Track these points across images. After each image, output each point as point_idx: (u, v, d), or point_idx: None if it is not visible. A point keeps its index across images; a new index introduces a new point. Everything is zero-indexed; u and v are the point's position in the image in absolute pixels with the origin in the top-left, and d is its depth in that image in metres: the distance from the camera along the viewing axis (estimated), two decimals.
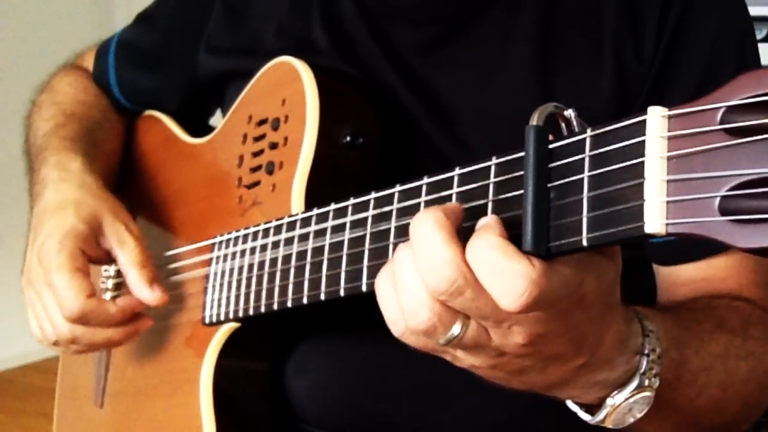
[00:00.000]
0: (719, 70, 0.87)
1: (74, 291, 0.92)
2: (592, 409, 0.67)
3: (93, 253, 0.97)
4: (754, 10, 0.94)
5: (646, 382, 0.65)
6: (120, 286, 1.03)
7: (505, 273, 0.52)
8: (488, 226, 0.55)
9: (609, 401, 0.65)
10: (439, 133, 0.91)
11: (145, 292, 0.94)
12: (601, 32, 0.88)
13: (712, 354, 0.76)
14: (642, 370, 0.65)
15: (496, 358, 0.60)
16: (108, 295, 1.03)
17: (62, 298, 0.92)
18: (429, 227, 0.55)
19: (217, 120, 1.15)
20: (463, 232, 0.56)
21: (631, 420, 0.67)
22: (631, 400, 0.65)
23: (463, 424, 0.92)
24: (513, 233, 0.55)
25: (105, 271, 1.05)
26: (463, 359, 0.61)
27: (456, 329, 0.57)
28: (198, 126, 1.14)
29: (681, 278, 0.87)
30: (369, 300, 0.68)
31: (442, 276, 0.54)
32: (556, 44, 0.90)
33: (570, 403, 0.68)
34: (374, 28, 0.96)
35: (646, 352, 0.66)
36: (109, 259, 0.99)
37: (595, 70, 0.88)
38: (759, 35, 1.55)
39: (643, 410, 0.66)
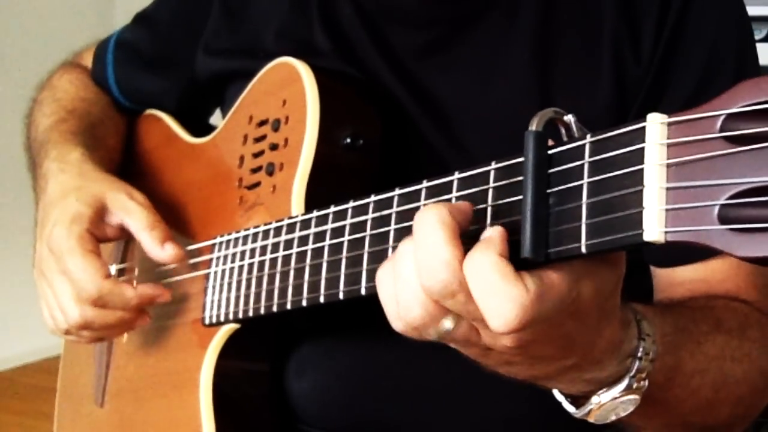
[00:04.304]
0: (717, 73, 0.87)
1: (90, 272, 0.91)
2: (578, 400, 0.67)
3: (102, 233, 0.97)
4: (753, 10, 0.93)
5: (635, 385, 0.65)
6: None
7: (499, 295, 0.53)
8: (491, 240, 0.55)
9: (594, 399, 0.65)
10: (438, 136, 0.91)
11: (158, 251, 0.94)
12: (599, 35, 0.88)
13: (707, 356, 0.76)
14: (632, 373, 0.65)
15: (484, 352, 0.61)
16: None
17: (79, 280, 0.92)
18: (432, 224, 0.55)
19: (216, 119, 1.15)
20: (468, 234, 0.56)
21: (614, 417, 0.67)
22: (618, 400, 0.65)
23: (463, 425, 0.92)
24: (512, 239, 0.55)
25: None
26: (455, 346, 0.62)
27: (447, 325, 0.58)
28: (197, 125, 1.14)
29: (678, 279, 0.87)
30: (369, 301, 0.68)
31: (437, 277, 0.54)
32: (555, 47, 0.89)
33: (556, 393, 0.68)
34: (373, 31, 0.95)
35: (639, 355, 0.65)
36: (122, 233, 0.98)
37: (593, 72, 0.88)
38: (759, 35, 1.54)
39: (628, 410, 0.66)
